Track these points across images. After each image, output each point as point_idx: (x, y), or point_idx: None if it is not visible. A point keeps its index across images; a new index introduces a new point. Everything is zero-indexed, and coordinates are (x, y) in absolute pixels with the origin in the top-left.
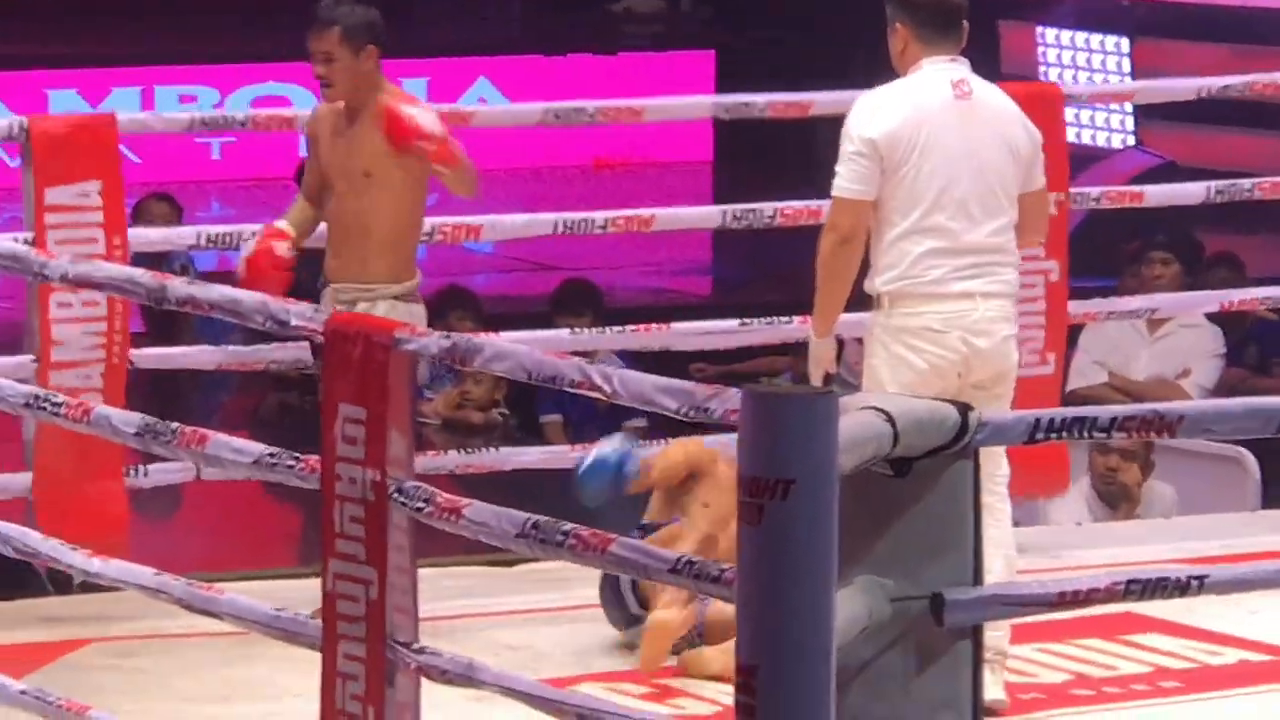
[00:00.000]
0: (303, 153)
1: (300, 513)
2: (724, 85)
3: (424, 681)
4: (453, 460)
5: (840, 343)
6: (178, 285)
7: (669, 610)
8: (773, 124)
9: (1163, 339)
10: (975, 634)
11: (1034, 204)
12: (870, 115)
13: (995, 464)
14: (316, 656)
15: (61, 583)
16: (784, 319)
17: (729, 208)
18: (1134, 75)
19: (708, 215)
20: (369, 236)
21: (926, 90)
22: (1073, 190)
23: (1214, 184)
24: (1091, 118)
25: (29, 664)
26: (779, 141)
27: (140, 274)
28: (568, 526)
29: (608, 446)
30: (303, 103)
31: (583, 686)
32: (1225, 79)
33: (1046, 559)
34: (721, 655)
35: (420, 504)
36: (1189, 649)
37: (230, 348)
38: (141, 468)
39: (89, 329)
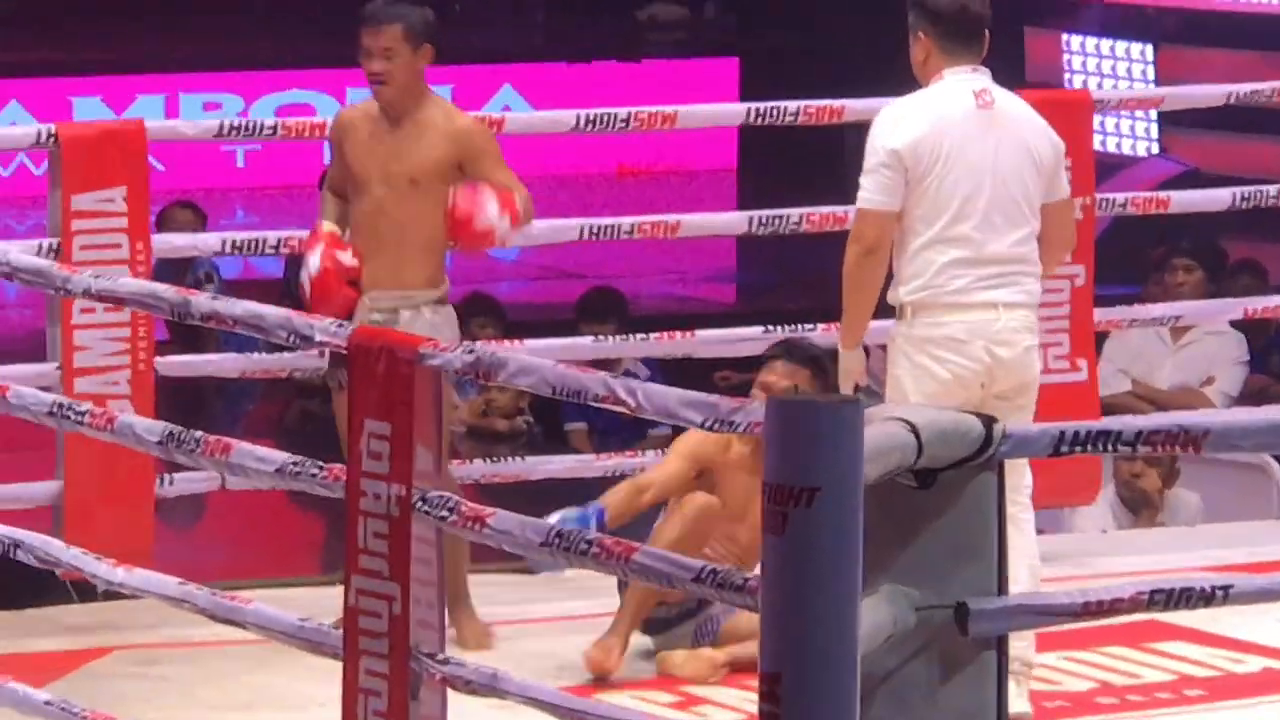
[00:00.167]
0: (327, 160)
1: (324, 521)
2: (748, 92)
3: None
4: (479, 469)
5: (866, 350)
6: (201, 301)
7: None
8: (797, 131)
9: (1186, 347)
10: (1000, 644)
11: (1059, 214)
12: (893, 126)
13: (1019, 475)
14: (340, 666)
15: (85, 590)
16: (809, 326)
17: (755, 214)
18: (1158, 82)
19: (734, 221)
20: (407, 243)
21: (949, 100)
22: (1098, 195)
23: (1240, 190)
24: (1116, 125)
25: (52, 672)
26: (803, 148)
27: (164, 289)
28: (591, 535)
29: (560, 520)
30: (326, 110)
31: (607, 696)
32: (1254, 84)
33: (1072, 567)
34: (691, 660)
35: (444, 513)
36: (1213, 657)
37: (254, 355)
38: (167, 476)
39: (111, 334)
